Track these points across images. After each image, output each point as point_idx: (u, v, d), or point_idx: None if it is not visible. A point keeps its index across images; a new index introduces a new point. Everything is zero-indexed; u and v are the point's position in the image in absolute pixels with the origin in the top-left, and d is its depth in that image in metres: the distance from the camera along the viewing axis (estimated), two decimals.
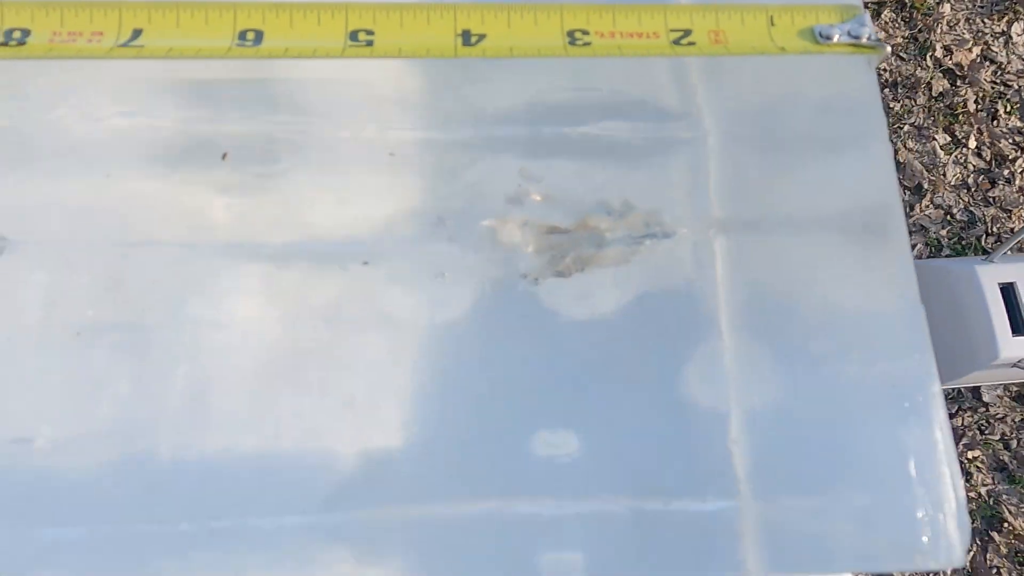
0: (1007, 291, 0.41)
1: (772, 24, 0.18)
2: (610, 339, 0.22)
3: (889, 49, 0.24)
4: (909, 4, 1.17)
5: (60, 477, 0.18)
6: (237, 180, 0.22)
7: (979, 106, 1.07)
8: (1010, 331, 0.40)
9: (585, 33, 0.18)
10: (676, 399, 0.22)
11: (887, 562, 0.20)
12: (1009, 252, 0.41)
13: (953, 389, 0.80)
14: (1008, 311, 0.40)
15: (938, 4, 1.16)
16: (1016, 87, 1.06)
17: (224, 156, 0.19)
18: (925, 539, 0.19)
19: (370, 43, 0.18)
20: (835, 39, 0.20)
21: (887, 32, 1.10)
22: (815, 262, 0.21)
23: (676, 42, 0.18)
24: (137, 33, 0.17)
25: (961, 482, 0.19)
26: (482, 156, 0.22)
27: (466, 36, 0.18)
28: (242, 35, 0.18)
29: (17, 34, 0.17)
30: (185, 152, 0.22)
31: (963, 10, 1.12)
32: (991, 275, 0.41)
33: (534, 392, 0.21)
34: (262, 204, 0.22)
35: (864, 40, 0.19)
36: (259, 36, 0.18)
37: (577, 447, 0.21)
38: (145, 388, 0.19)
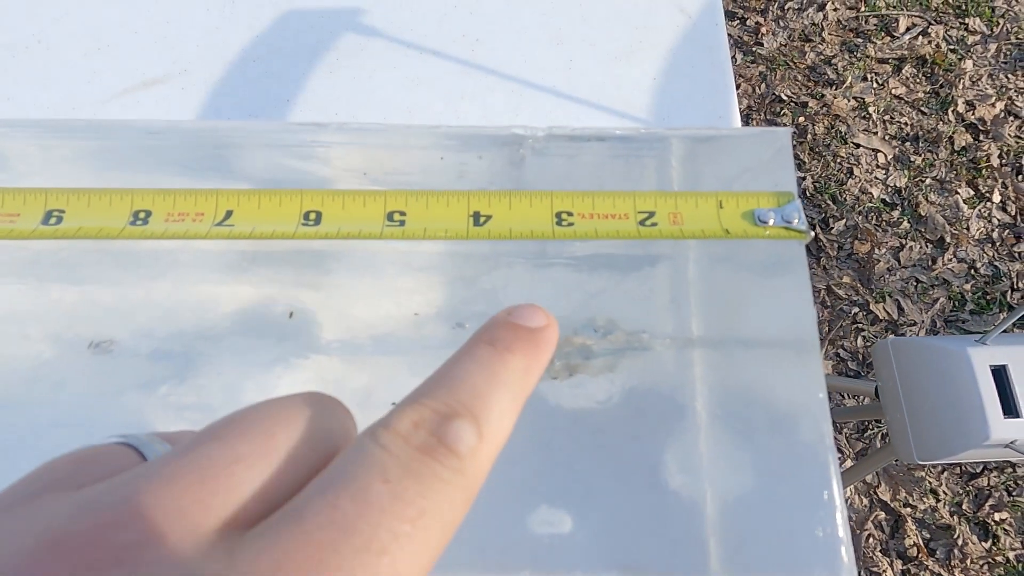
0: (999, 373, 0.42)
1: (720, 207, 0.22)
2: (600, 430, 0.25)
3: (812, 234, 0.27)
4: (931, 60, 1.19)
5: None
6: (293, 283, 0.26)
7: (1003, 160, 1.07)
8: (1001, 413, 0.41)
9: (570, 215, 0.22)
10: (657, 484, 0.25)
11: None
12: (1007, 330, 0.43)
13: None
14: (999, 393, 0.42)
15: (960, 60, 1.18)
16: None
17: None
18: None
19: (402, 223, 0.22)
20: (770, 223, 0.24)
21: (908, 87, 1.12)
22: (761, 371, 0.25)
23: (641, 223, 0.21)
24: (229, 214, 0.21)
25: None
26: (496, 267, 0.26)
27: (476, 217, 0.22)
28: (306, 216, 0.23)
29: (142, 215, 0.22)
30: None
31: (985, 66, 1.14)
32: (983, 357, 0.42)
33: (532, 475, 0.24)
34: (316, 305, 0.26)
35: (795, 224, 0.23)
36: (319, 217, 0.23)
37: (570, 526, 0.24)
38: None
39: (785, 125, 1.12)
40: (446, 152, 0.27)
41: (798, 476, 0.25)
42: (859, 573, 0.84)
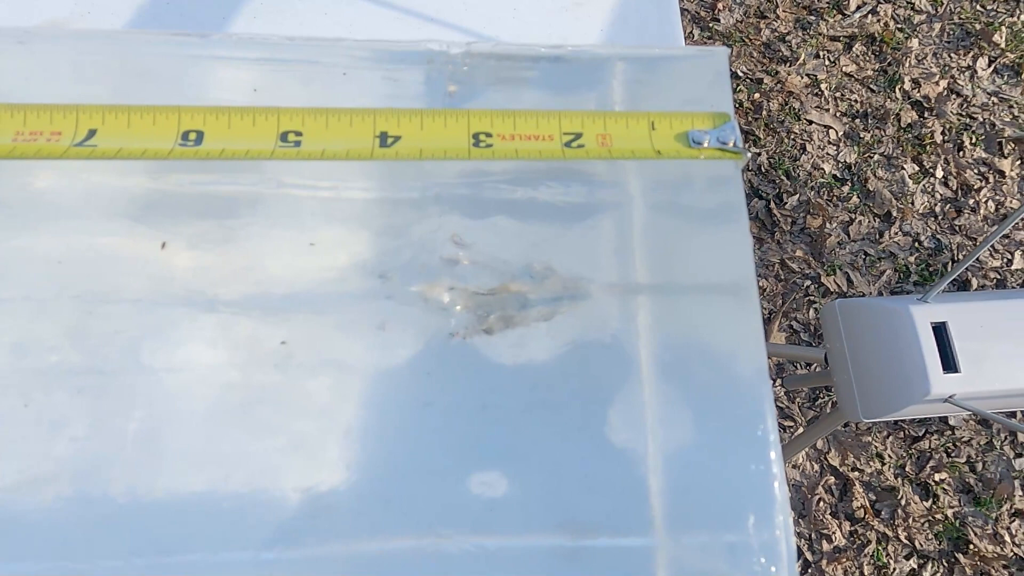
0: (939, 330, 0.43)
1: (653, 128, 0.21)
2: (540, 386, 0.24)
3: (749, 155, 0.27)
4: (879, 38, 1.21)
5: (19, 513, 0.20)
6: (198, 234, 0.23)
7: (946, 137, 1.10)
8: (941, 369, 0.42)
9: (488, 135, 0.20)
10: (599, 438, 0.24)
11: None
12: (945, 290, 0.44)
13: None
14: (940, 349, 0.42)
15: (907, 39, 1.21)
16: (981, 119, 1.09)
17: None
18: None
19: (298, 143, 0.20)
20: (705, 144, 0.22)
21: (858, 65, 1.14)
22: (700, 317, 0.24)
23: (567, 144, 0.20)
24: (92, 133, 0.19)
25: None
26: (425, 215, 0.24)
27: (383, 138, 0.20)
28: (184, 136, 0.20)
29: None
30: (148, 208, 0.24)
31: (930, 44, 1.16)
32: (924, 314, 0.43)
33: (470, 435, 0.23)
34: (220, 258, 0.24)
35: (731, 146, 0.22)
36: (200, 137, 0.20)
37: (509, 486, 0.23)
38: (101, 430, 0.21)
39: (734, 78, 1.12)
40: (351, 70, 0.25)
41: (736, 417, 0.24)
42: (810, 535, 0.86)
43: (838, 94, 1.12)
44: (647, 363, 0.25)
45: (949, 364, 0.41)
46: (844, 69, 1.13)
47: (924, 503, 0.89)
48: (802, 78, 1.12)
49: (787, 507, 0.22)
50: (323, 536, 0.22)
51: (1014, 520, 0.87)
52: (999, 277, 1.02)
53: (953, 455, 0.91)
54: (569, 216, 0.26)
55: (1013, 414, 0.90)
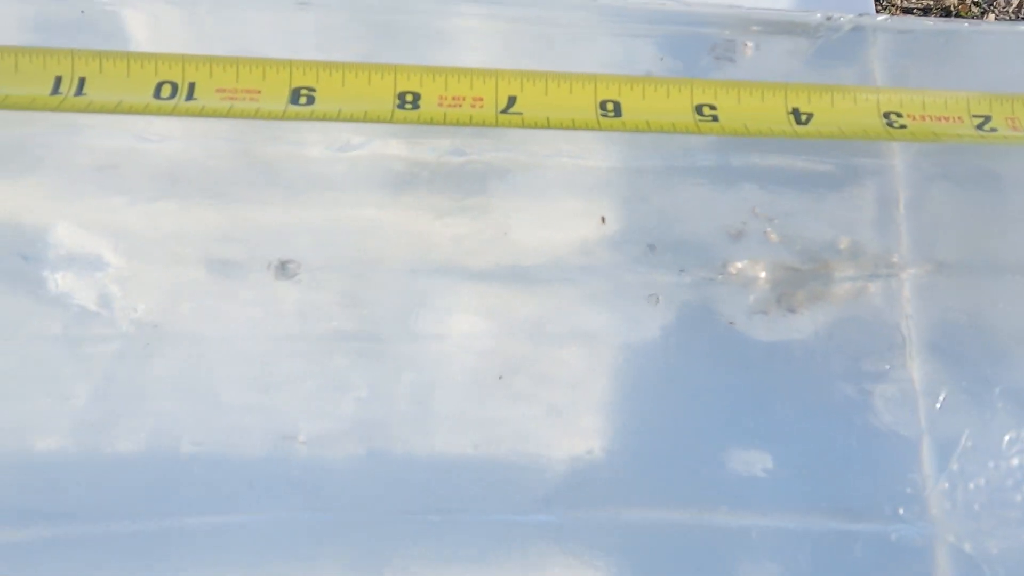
0: None
1: None
2: (801, 363, 0.23)
3: None
4: (955, 12, 1.01)
5: (319, 469, 0.21)
6: (452, 205, 0.24)
7: None
8: None
9: (898, 115, 0.18)
10: (867, 421, 0.22)
11: None
12: None
13: None
14: None
15: (983, 14, 1.00)
16: None
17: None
18: None
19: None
20: None
21: None
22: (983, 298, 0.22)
23: (979, 128, 0.18)
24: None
25: None
26: (705, 184, 0.23)
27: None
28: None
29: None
30: (406, 179, 0.24)
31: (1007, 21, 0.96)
32: None
33: (725, 413, 0.22)
34: (474, 228, 0.24)
35: None
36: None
37: (770, 464, 0.22)
38: (379, 393, 0.22)
39: None
40: (617, 39, 0.24)
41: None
42: None
43: None
44: (919, 343, 0.23)
45: None
46: None
47: None
48: None
49: None
50: (587, 503, 0.22)
51: None
52: None
53: None
54: (822, 184, 0.24)
55: None
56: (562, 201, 0.24)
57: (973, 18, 0.95)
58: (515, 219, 0.24)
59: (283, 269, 0.22)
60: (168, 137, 0.23)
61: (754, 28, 0.25)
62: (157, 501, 0.21)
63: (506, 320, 0.23)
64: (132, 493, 0.21)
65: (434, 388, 0.23)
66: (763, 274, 0.22)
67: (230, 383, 0.22)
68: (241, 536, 0.21)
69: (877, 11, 0.27)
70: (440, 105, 0.21)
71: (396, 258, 0.23)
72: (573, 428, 0.22)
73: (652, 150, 0.25)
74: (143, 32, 0.23)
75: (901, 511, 0.22)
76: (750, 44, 0.25)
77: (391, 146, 0.24)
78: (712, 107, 0.22)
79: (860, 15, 0.25)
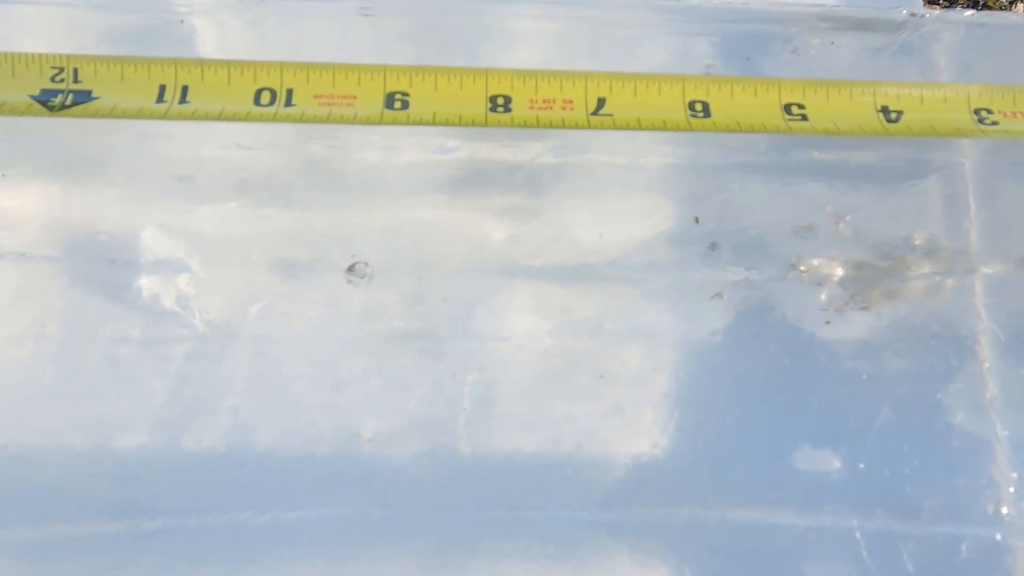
0: None
1: None
2: (868, 361, 0.22)
3: None
4: (981, 3, 0.97)
5: (385, 465, 0.22)
6: (509, 205, 0.24)
7: None
8: None
9: (989, 112, 0.18)
10: (940, 422, 0.22)
11: None
12: None
13: None
14: None
15: (1011, 3, 0.96)
16: None
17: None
18: None
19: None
20: None
21: None
22: None
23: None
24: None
25: None
26: (766, 180, 0.23)
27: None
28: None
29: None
30: (462, 180, 0.25)
31: None
32: None
33: (796, 408, 0.22)
34: (531, 228, 0.24)
35: None
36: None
37: (838, 463, 0.22)
38: (443, 391, 0.23)
39: None
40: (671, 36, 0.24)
41: None
42: None
43: None
44: (993, 341, 0.22)
45: None
46: None
47: None
48: None
49: None
50: (650, 501, 0.22)
51: None
52: None
53: None
54: (886, 178, 0.23)
55: None
56: (620, 199, 0.24)
57: (1002, 7, 0.92)
58: (574, 218, 0.24)
59: (352, 271, 0.23)
60: (243, 146, 0.24)
61: (832, 25, 0.25)
62: (232, 496, 0.21)
63: (567, 319, 0.23)
64: (208, 488, 0.21)
65: (496, 386, 0.23)
66: (838, 271, 0.22)
67: (299, 381, 0.23)
68: (313, 530, 0.21)
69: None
70: (531, 108, 0.21)
71: (456, 258, 0.24)
72: (636, 426, 0.22)
73: (710, 147, 0.25)
74: (210, 41, 0.24)
75: (974, 513, 0.21)
76: (828, 41, 0.25)
77: (448, 148, 0.24)
78: (800, 106, 0.22)
79: (925, 10, 0.25)
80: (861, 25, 0.24)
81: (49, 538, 0.21)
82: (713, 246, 0.22)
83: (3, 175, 0.23)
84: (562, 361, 0.23)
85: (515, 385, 0.23)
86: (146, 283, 0.22)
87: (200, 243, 0.23)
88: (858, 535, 0.21)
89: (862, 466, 0.21)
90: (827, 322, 0.22)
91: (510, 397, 0.23)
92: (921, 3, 0.40)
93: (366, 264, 0.22)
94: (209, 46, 0.24)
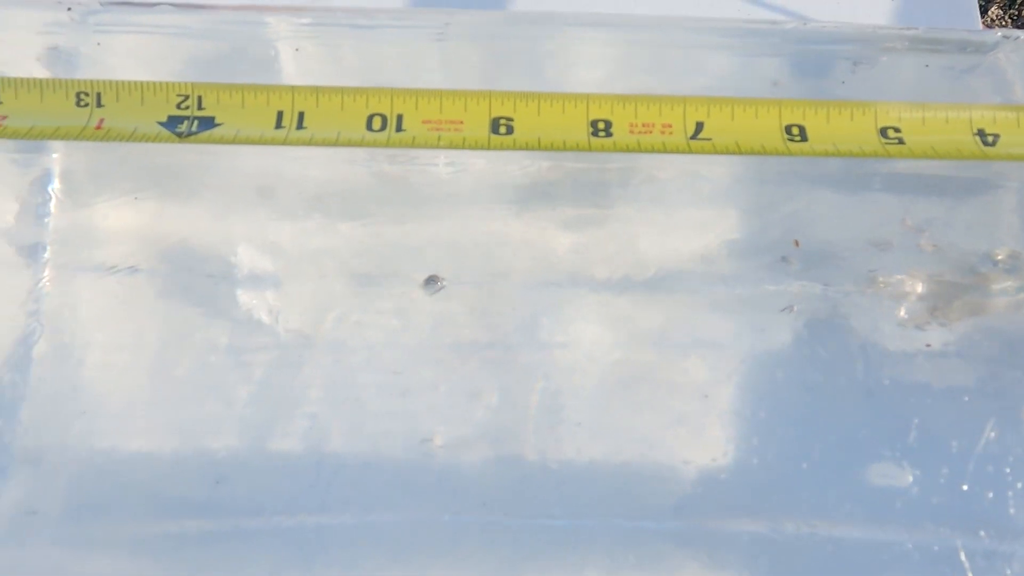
0: None
1: None
2: (938, 373, 0.22)
3: None
4: (1018, 2, 0.91)
5: (454, 471, 0.22)
6: (575, 217, 0.25)
7: None
8: None
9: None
10: (1019, 440, 0.21)
11: None
12: None
13: None
14: None
15: None
16: None
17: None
18: None
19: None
20: None
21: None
22: None
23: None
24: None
25: None
26: (836, 192, 0.23)
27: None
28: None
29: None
30: (528, 193, 0.25)
31: None
32: None
33: (870, 421, 0.22)
34: (596, 239, 0.24)
35: None
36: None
37: (912, 479, 0.21)
38: (509, 400, 0.23)
39: None
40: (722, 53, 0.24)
41: None
42: None
43: None
44: None
45: None
46: None
47: None
48: None
49: None
50: (715, 512, 0.22)
51: None
52: None
53: None
54: (959, 190, 0.23)
55: None
56: (686, 210, 0.24)
57: None
58: (639, 229, 0.24)
59: (429, 283, 0.24)
60: (313, 159, 0.25)
61: (916, 46, 0.25)
62: (310, 498, 0.22)
63: (633, 329, 0.24)
64: (288, 490, 0.22)
65: (562, 396, 0.23)
66: (919, 287, 0.22)
67: (372, 389, 0.23)
68: (386, 534, 0.22)
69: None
70: (631, 132, 0.22)
71: (523, 269, 0.24)
72: (701, 437, 0.23)
73: (775, 159, 0.25)
74: (291, 65, 0.26)
75: None
76: (923, 64, 0.25)
77: (513, 160, 0.25)
78: (896, 129, 0.22)
79: (1018, 32, 0.25)
80: (951, 47, 0.24)
81: (146, 536, 0.22)
82: (784, 259, 0.22)
83: (136, 198, 0.25)
84: (628, 371, 0.23)
85: (581, 394, 0.23)
86: (233, 294, 0.23)
87: (284, 256, 0.24)
88: (934, 552, 0.21)
89: (938, 482, 0.21)
90: (927, 345, 0.21)
91: (576, 406, 0.23)
92: (980, 24, 0.39)
93: (442, 277, 0.23)
94: (289, 71, 0.25)
